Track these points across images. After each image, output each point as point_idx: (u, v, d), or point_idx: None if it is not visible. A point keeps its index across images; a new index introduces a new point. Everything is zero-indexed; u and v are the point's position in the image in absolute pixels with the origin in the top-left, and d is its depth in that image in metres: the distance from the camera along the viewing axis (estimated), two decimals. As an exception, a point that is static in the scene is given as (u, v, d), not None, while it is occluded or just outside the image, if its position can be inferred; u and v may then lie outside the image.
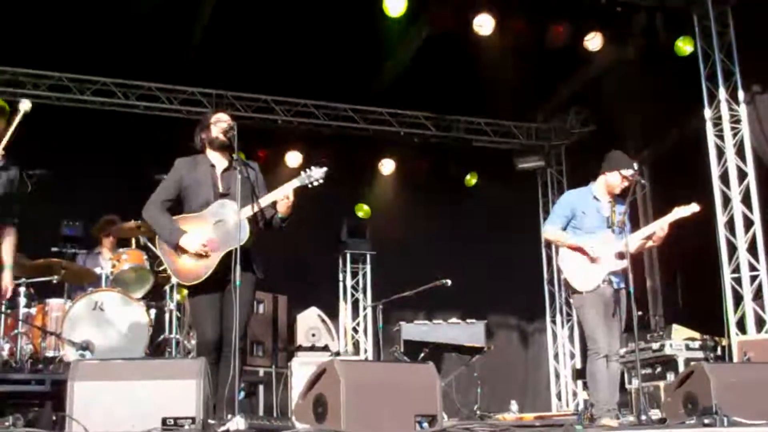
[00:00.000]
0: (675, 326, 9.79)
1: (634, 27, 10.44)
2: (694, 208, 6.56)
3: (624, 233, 6.40)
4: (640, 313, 6.96)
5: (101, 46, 10.09)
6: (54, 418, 6.83)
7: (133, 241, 8.69)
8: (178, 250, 5.60)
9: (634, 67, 10.71)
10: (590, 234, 6.57)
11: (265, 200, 5.65)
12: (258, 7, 9.56)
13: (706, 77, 9.97)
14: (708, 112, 9.98)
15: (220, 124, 5.78)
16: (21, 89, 10.77)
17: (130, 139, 10.95)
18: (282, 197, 5.64)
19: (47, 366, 7.67)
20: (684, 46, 10.37)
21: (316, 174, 5.70)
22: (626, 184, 6.60)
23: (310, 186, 5.71)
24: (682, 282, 11.76)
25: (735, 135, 9.83)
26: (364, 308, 12.89)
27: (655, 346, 9.57)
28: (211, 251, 5.56)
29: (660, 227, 6.56)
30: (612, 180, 6.63)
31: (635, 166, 6.67)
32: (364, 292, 13.00)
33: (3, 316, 7.26)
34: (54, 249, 8.51)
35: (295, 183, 5.69)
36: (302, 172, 5.73)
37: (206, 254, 5.53)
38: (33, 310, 7.93)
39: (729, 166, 9.79)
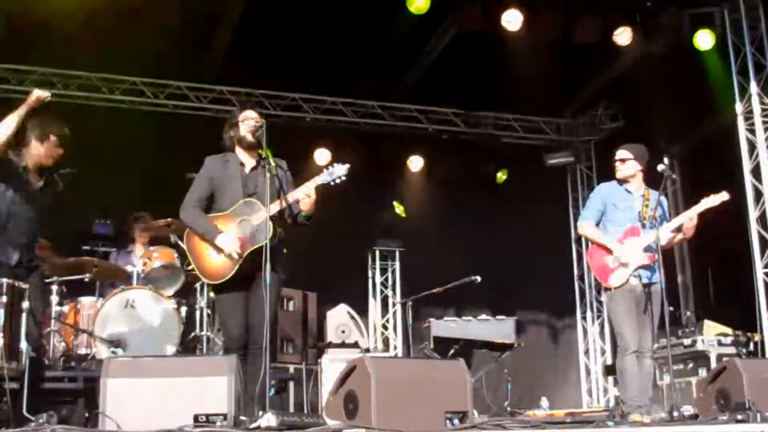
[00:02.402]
0: (707, 322, 9.72)
1: (664, 21, 10.36)
2: (723, 196, 6.51)
3: (655, 227, 6.36)
4: (671, 308, 6.92)
5: (130, 45, 10.14)
6: (87, 414, 6.91)
7: (168, 238, 8.73)
8: (213, 248, 5.64)
9: (664, 61, 10.62)
10: (620, 227, 6.55)
11: (288, 198, 5.68)
12: (286, 5, 9.57)
13: (738, 71, 9.88)
14: (739, 107, 9.90)
15: (248, 122, 5.80)
16: (52, 89, 10.84)
17: (159, 137, 11.00)
18: (303, 195, 5.66)
19: (80, 363, 7.74)
20: (704, 41, 10.25)
21: (339, 171, 5.71)
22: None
23: (332, 183, 5.72)
24: (714, 277, 11.68)
25: (767, 129, 9.73)
26: (394, 305, 12.89)
27: (687, 341, 9.51)
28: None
29: (689, 218, 6.52)
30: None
31: (665, 160, 6.64)
32: (394, 289, 13.00)
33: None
34: (85, 247, 8.59)
35: (318, 180, 5.70)
36: (325, 170, 5.75)
37: (239, 256, 5.56)
38: (65, 308, 8.00)
39: (761, 160, 9.70)
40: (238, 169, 5.81)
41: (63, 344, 7.82)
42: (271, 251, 5.35)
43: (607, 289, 6.55)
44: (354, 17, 9.76)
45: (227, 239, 5.59)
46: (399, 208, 12.89)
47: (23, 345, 5.22)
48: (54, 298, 7.69)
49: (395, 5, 9.66)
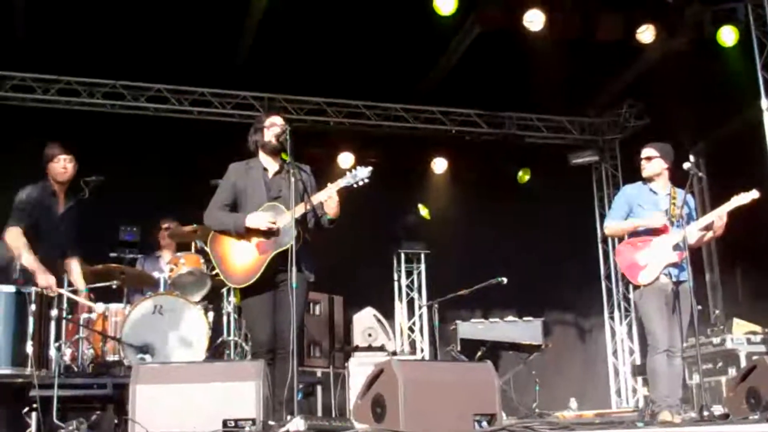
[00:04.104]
0: (736, 320, 9.65)
1: (687, 18, 10.30)
2: (753, 194, 6.44)
3: (682, 225, 6.32)
4: (699, 307, 6.87)
5: (154, 53, 10.21)
6: (116, 421, 6.95)
7: (193, 245, 8.78)
8: (249, 234, 5.69)
9: (688, 58, 10.55)
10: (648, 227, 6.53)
11: (310, 203, 5.69)
12: (307, 10, 9.60)
13: (762, 66, 9.79)
14: (764, 102, 9.79)
15: (273, 128, 5.83)
16: (76, 97, 10.97)
17: (184, 144, 11.06)
18: (326, 197, 5.67)
19: (108, 370, 7.78)
20: (728, 37, 10.17)
21: (361, 174, 5.72)
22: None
23: (355, 186, 5.73)
24: (743, 275, 11.59)
25: (792, 124, 9.64)
26: (420, 307, 12.87)
27: (716, 340, 9.44)
28: (260, 254, 5.61)
29: (718, 216, 6.46)
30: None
31: (691, 158, 6.59)
32: (419, 292, 12.97)
33: (64, 322, 7.37)
34: (112, 254, 8.64)
35: (340, 183, 5.71)
36: (348, 173, 5.75)
37: (276, 231, 5.60)
38: (93, 315, 8.03)
39: (787, 156, 9.60)
40: (261, 174, 5.84)
41: (92, 351, 7.85)
42: (297, 253, 5.36)
43: (636, 287, 6.52)
44: (375, 19, 9.76)
45: (256, 216, 5.64)
46: (424, 211, 12.87)
47: (52, 353, 5.25)
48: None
49: (417, 6, 9.65)
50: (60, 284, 6.17)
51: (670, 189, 6.64)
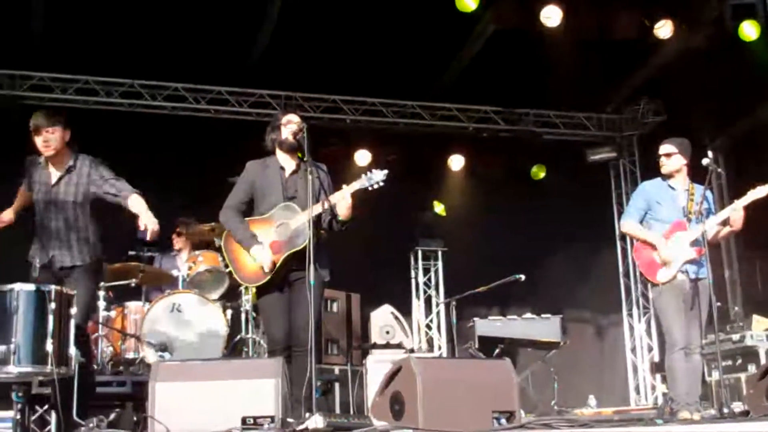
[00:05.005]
0: (755, 317, 9.60)
1: (705, 13, 10.24)
2: None
3: (701, 221, 6.29)
4: (718, 303, 6.83)
5: (171, 52, 10.25)
6: (135, 418, 6.98)
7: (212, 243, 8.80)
8: (262, 233, 5.71)
9: (706, 54, 10.49)
10: (665, 223, 6.49)
11: (325, 203, 5.69)
12: (323, 8, 9.61)
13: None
14: (785, 98, 9.75)
15: (290, 126, 5.84)
16: (94, 96, 11.01)
17: (201, 142, 11.09)
18: (339, 199, 5.67)
19: (127, 368, 7.83)
20: (749, 31, 10.11)
21: (377, 177, 5.72)
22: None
23: (370, 188, 5.73)
24: (762, 271, 11.53)
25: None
26: (437, 305, 12.87)
27: (735, 337, 9.39)
28: (273, 254, 5.63)
29: (734, 209, 6.42)
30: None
31: (710, 154, 6.55)
32: (437, 289, 12.97)
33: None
34: (131, 253, 8.67)
35: (355, 185, 5.72)
36: (363, 175, 5.76)
37: (270, 270, 5.63)
38: (112, 313, 8.10)
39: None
40: (278, 173, 5.85)
41: (111, 349, 7.92)
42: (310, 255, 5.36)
43: (654, 285, 6.49)
44: (391, 17, 9.75)
45: (261, 251, 5.64)
46: (439, 207, 12.86)
47: (72, 351, 5.27)
48: (101, 304, 7.79)
49: (434, 3, 9.64)
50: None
51: (688, 185, 6.61)
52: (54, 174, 5.96)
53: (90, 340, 6.61)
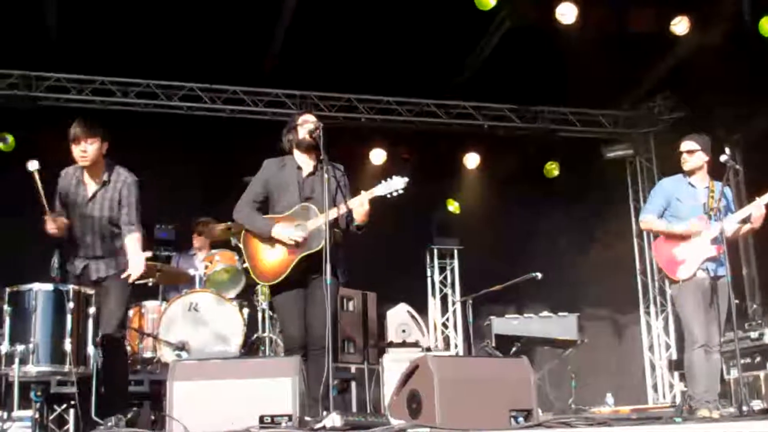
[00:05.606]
0: (774, 314, 9.54)
1: (722, 9, 10.18)
2: None
3: (720, 219, 6.26)
4: (737, 301, 6.80)
5: (187, 52, 10.27)
6: (153, 417, 7.01)
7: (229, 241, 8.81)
8: (272, 242, 5.71)
9: (721, 49, 10.42)
10: (686, 220, 6.46)
11: (342, 207, 5.70)
12: (338, 7, 9.61)
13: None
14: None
15: (306, 125, 5.84)
16: (110, 97, 11.05)
17: (217, 142, 11.12)
18: (357, 204, 5.67)
19: (145, 367, 7.86)
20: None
21: (397, 184, 5.71)
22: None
23: (389, 196, 5.71)
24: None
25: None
26: (453, 303, 12.85)
27: (754, 335, 9.34)
28: (288, 254, 5.63)
29: (756, 207, 6.39)
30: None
31: (727, 150, 6.53)
32: (453, 287, 12.96)
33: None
34: (148, 252, 8.68)
35: (375, 192, 5.72)
36: (383, 181, 5.74)
37: (300, 242, 5.61)
38: (130, 313, 8.11)
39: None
40: (295, 173, 5.85)
41: (128, 348, 7.92)
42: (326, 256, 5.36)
43: (673, 283, 6.46)
44: (406, 15, 9.74)
45: (282, 228, 5.64)
46: (453, 205, 12.84)
47: (90, 350, 5.29)
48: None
49: (449, 1, 9.63)
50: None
51: (708, 182, 6.57)
52: (90, 187, 6.00)
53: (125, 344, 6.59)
